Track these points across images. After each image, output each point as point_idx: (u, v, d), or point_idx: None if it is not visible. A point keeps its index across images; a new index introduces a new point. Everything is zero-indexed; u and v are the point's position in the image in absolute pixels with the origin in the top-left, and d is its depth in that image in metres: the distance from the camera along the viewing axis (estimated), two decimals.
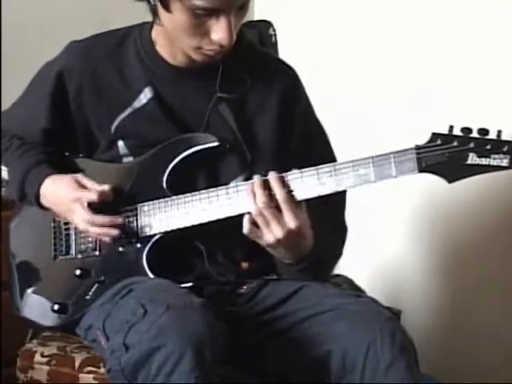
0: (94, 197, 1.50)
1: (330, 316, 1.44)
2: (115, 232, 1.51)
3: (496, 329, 2.32)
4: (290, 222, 1.40)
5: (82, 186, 1.53)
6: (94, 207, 1.51)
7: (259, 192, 1.42)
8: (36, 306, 1.61)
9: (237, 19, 1.42)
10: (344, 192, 1.54)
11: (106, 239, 1.53)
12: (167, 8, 1.41)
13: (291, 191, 1.42)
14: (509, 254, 2.29)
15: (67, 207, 1.53)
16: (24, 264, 1.65)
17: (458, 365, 2.40)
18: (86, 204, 1.50)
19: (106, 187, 1.52)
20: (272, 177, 1.42)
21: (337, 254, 1.61)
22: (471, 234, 2.38)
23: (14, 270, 1.66)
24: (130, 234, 1.53)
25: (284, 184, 1.42)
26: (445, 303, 2.46)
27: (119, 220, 1.52)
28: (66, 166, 1.60)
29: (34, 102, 1.63)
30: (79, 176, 1.55)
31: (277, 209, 1.41)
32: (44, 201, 1.57)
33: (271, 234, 1.41)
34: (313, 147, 1.61)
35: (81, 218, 1.51)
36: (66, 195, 1.53)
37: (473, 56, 2.25)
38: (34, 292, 1.62)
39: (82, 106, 1.58)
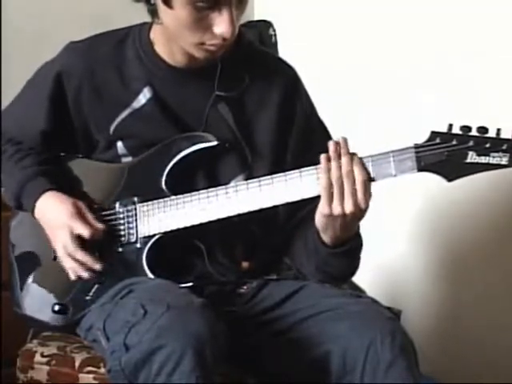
0: (86, 233, 1.50)
1: (329, 316, 1.44)
2: (87, 275, 1.51)
3: (496, 329, 2.32)
4: (363, 202, 1.39)
5: (81, 216, 1.52)
6: (81, 240, 1.50)
7: (347, 156, 1.39)
8: (36, 299, 1.60)
9: (238, 12, 1.42)
10: None
11: (73, 277, 1.53)
12: (168, 4, 1.41)
13: (369, 174, 1.40)
14: (510, 254, 2.28)
15: (56, 229, 1.53)
16: (24, 255, 1.64)
17: (458, 365, 2.39)
18: (74, 234, 1.50)
19: (101, 226, 1.52)
20: (356, 156, 1.40)
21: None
22: (472, 235, 2.37)
23: (13, 262, 1.65)
24: (130, 235, 1.53)
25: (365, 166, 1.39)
26: (445, 303, 2.46)
27: (97, 266, 1.51)
28: (63, 169, 1.60)
29: (33, 104, 1.62)
30: (81, 204, 1.54)
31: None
32: (38, 214, 1.56)
33: (341, 206, 1.39)
34: (315, 146, 1.60)
35: (63, 246, 1.51)
36: (61, 218, 1.51)
37: (472, 55, 2.25)
38: (35, 281, 1.60)
39: (80, 106, 1.58)
